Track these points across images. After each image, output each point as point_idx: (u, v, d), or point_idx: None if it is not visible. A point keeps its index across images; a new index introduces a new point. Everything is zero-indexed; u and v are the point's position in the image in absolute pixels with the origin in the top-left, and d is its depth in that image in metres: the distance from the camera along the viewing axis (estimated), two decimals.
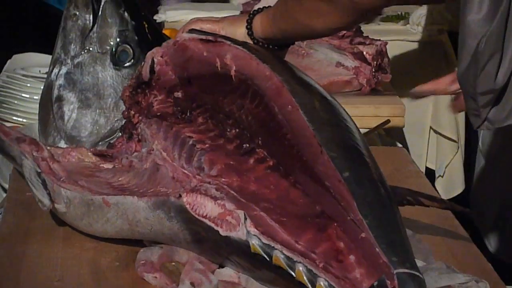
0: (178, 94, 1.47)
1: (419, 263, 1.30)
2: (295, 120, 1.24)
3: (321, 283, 1.11)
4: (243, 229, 1.17)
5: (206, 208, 1.22)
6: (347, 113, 1.30)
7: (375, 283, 1.07)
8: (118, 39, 1.77)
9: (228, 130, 1.35)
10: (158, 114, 1.48)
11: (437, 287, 1.18)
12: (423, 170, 2.72)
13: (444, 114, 2.77)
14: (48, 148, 1.48)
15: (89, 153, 1.51)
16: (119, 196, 1.34)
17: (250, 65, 1.32)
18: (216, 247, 1.25)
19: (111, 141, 1.64)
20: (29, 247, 1.41)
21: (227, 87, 1.36)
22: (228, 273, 1.28)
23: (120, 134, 1.58)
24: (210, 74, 1.39)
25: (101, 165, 1.49)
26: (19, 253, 1.39)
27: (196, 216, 1.22)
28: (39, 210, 1.53)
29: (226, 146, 1.34)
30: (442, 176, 2.80)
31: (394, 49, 2.70)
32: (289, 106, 1.25)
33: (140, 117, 1.50)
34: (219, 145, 1.34)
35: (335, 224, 1.17)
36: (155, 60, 1.48)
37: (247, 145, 1.32)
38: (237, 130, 1.35)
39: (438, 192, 2.69)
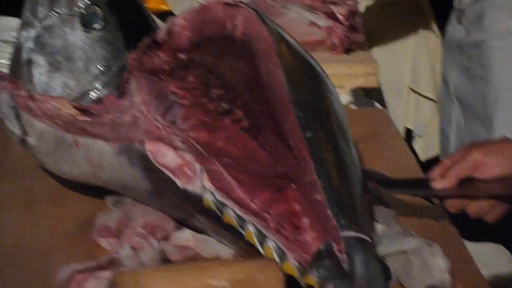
0: (181, 56, 1.45)
1: (378, 226, 1.28)
2: (275, 79, 1.23)
3: (269, 244, 1.10)
4: (198, 183, 1.17)
5: (167, 157, 1.21)
6: (330, 80, 1.30)
7: (321, 246, 1.05)
8: (87, 1, 1.74)
9: (214, 90, 1.34)
10: (153, 69, 1.46)
11: (388, 253, 1.15)
12: (402, 130, 2.69)
13: (422, 74, 2.73)
14: (27, 90, 1.47)
15: (69, 105, 1.47)
16: (89, 139, 1.32)
17: (254, 26, 1.32)
18: (175, 199, 1.24)
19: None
20: None
21: (229, 48, 1.36)
22: (185, 236, 1.27)
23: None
24: (219, 37, 1.38)
25: (80, 117, 1.46)
26: None
27: (156, 164, 1.21)
28: (1, 175, 1.52)
29: (207, 104, 1.32)
30: (421, 136, 2.77)
31: (367, 8, 2.66)
32: (273, 66, 1.24)
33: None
34: (200, 103, 1.33)
35: (294, 185, 1.16)
36: (176, 22, 1.46)
37: (226, 105, 1.30)
38: (222, 91, 1.33)
39: (416, 153, 2.68)
